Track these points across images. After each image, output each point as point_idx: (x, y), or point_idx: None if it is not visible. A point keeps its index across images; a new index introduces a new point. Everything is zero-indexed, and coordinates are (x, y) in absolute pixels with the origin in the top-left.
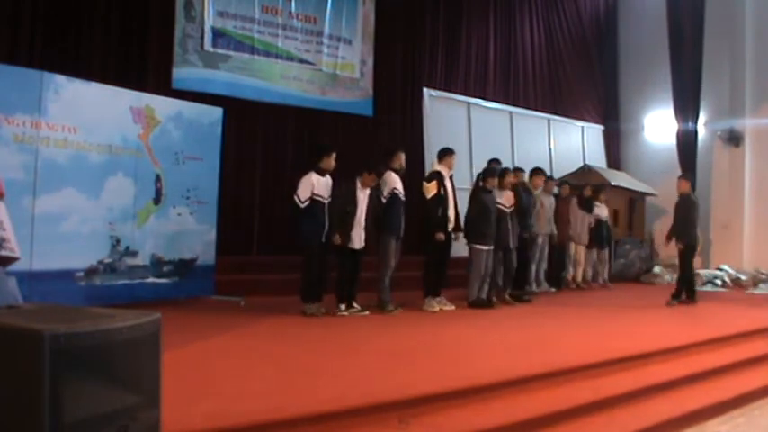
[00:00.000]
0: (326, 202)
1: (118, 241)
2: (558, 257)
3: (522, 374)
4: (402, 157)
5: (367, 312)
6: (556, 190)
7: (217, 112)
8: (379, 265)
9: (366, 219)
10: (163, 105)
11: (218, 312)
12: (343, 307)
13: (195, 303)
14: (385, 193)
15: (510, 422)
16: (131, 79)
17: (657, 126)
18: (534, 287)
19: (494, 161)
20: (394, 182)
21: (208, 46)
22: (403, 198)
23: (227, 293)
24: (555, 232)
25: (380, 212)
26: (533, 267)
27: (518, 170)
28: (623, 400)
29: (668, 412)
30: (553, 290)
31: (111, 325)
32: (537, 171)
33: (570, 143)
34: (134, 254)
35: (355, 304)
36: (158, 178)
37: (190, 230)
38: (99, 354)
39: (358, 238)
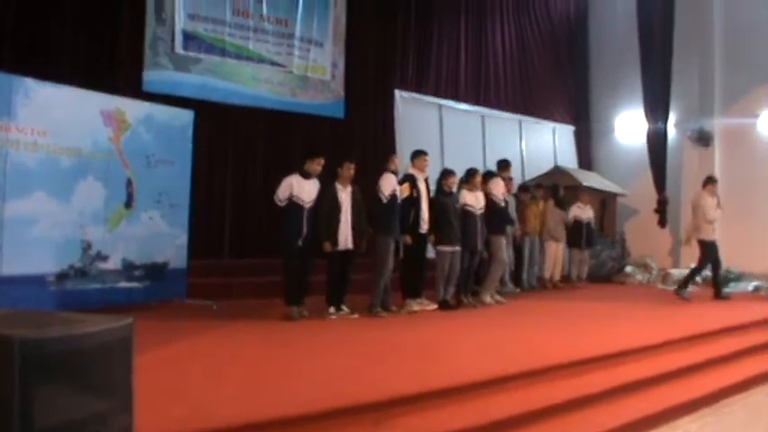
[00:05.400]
0: (308, 206)
1: (89, 245)
2: (517, 257)
3: (496, 375)
4: (396, 159)
5: (356, 315)
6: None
7: (188, 115)
8: (376, 267)
9: (353, 218)
10: (134, 108)
11: (191, 316)
12: (332, 310)
13: (168, 307)
14: (386, 194)
15: (485, 422)
16: (102, 82)
17: (628, 126)
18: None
19: (504, 162)
20: (393, 183)
21: (179, 48)
22: (400, 200)
23: (200, 297)
24: (518, 233)
25: (378, 213)
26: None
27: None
28: (597, 399)
29: (641, 410)
30: (517, 290)
31: (82, 330)
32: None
33: (542, 144)
34: (105, 258)
35: (344, 307)
36: (129, 182)
37: (161, 234)
38: (70, 359)
39: (344, 239)
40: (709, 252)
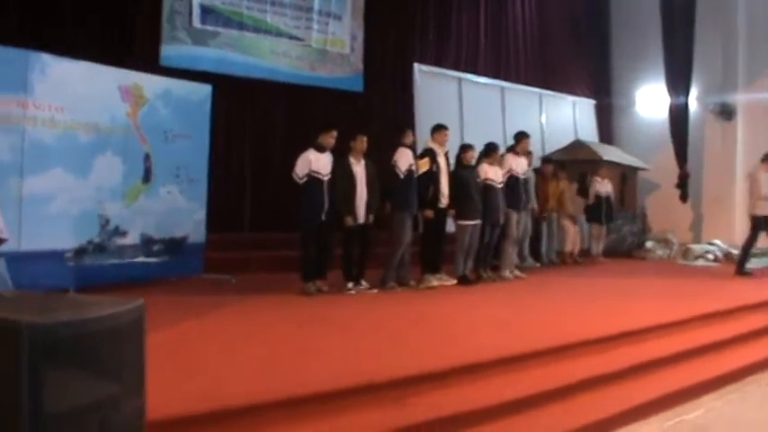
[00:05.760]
0: (326, 179)
1: (107, 221)
2: (536, 232)
3: (517, 352)
4: (411, 134)
5: (375, 290)
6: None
7: (205, 90)
8: (392, 242)
9: (368, 191)
10: (151, 83)
11: (209, 291)
12: (350, 285)
13: (186, 282)
14: (403, 169)
15: (507, 400)
16: (119, 57)
17: (649, 100)
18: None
19: (521, 134)
20: (409, 158)
21: (196, 22)
22: (416, 175)
23: (218, 271)
24: (535, 206)
25: (396, 188)
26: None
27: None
28: (620, 377)
29: (665, 388)
30: (537, 264)
31: (92, 314)
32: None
33: (562, 118)
34: (123, 233)
35: (363, 282)
36: (147, 157)
37: (180, 209)
38: (79, 344)
39: (362, 213)
40: (757, 227)
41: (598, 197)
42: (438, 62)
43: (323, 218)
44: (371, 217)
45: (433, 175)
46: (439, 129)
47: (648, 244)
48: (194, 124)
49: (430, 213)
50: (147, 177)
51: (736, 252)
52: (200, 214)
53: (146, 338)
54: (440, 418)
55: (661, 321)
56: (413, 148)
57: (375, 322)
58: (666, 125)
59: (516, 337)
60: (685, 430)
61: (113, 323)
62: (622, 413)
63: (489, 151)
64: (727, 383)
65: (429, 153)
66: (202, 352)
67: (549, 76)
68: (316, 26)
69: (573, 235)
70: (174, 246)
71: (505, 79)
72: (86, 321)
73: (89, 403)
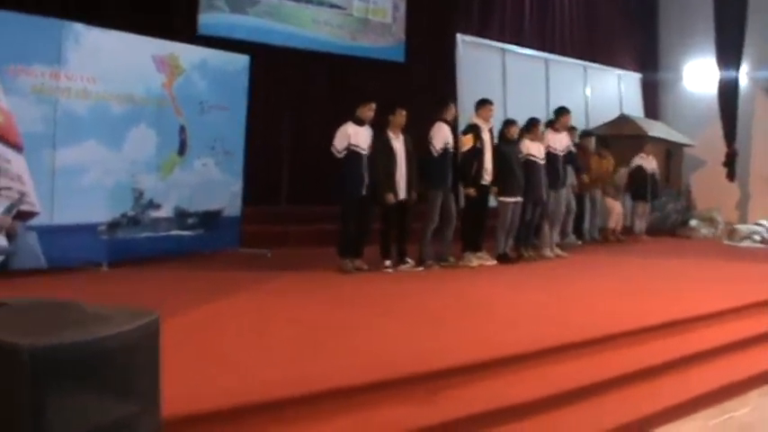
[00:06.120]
0: (365, 153)
1: (141, 194)
2: (580, 209)
3: (557, 343)
4: (453, 108)
5: (420, 268)
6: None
7: (243, 60)
8: (424, 219)
9: (407, 167)
10: (187, 53)
11: (245, 267)
12: (388, 263)
13: (221, 257)
14: (437, 147)
15: (546, 395)
16: (155, 26)
17: (698, 75)
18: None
19: (561, 110)
20: (446, 134)
21: None
22: (452, 151)
23: (254, 246)
24: (575, 183)
25: (430, 166)
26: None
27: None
28: (661, 371)
29: (710, 383)
30: (579, 242)
31: (102, 333)
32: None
33: (607, 91)
34: (158, 206)
35: (408, 259)
36: (182, 129)
37: (215, 181)
38: (88, 365)
39: (402, 189)
40: None
41: (643, 173)
42: (481, 33)
43: (363, 193)
44: (414, 194)
45: (477, 152)
46: (484, 104)
47: (693, 222)
48: (231, 95)
49: (472, 192)
50: (182, 150)
51: None
52: (237, 187)
53: (160, 354)
54: (471, 415)
55: (707, 311)
56: (455, 122)
57: (411, 305)
58: (714, 101)
59: (555, 326)
60: (732, 428)
61: (124, 341)
62: (664, 410)
63: (531, 126)
64: None
65: (473, 129)
66: (233, 337)
67: (595, 48)
68: None
69: (616, 212)
70: (209, 219)
71: (550, 51)
72: (94, 341)
73: (101, 426)
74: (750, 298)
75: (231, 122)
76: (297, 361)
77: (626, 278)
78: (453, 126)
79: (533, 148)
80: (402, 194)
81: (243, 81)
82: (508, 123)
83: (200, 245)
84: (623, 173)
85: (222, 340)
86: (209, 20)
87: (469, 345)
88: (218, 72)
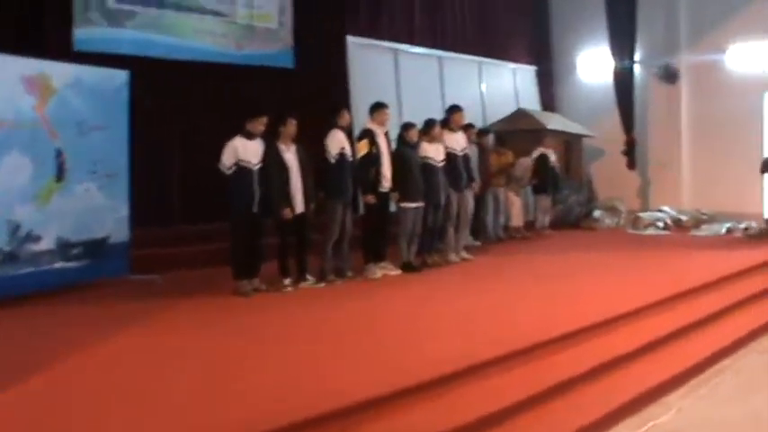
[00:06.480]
0: (256, 168)
1: (17, 227)
2: (476, 209)
3: (473, 361)
4: (347, 114)
5: (323, 285)
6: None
7: (121, 76)
8: (324, 232)
9: (302, 178)
10: (60, 71)
11: (133, 297)
12: (287, 281)
13: (108, 286)
14: (333, 153)
15: (465, 422)
16: (26, 43)
17: (592, 65)
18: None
19: (453, 108)
20: (341, 141)
21: (111, 2)
22: (350, 159)
23: (145, 270)
24: (476, 188)
25: (327, 174)
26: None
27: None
28: (576, 382)
29: (628, 390)
30: (477, 243)
31: None
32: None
33: (503, 86)
34: (37, 239)
35: (309, 276)
36: (59, 153)
37: (99, 207)
38: None
39: (298, 203)
40: None
41: (546, 162)
42: (372, 34)
43: (254, 210)
44: (312, 206)
45: (373, 158)
46: (378, 108)
47: (596, 213)
48: (111, 114)
49: (371, 198)
50: (60, 175)
51: (684, 218)
52: (122, 211)
53: None
54: None
55: (619, 312)
56: (349, 128)
57: (318, 330)
58: (610, 90)
59: (470, 340)
60: None
61: None
62: (581, 428)
63: (427, 128)
64: (692, 377)
65: (368, 134)
66: (121, 381)
67: (488, 43)
68: (240, 0)
69: (518, 208)
70: (95, 247)
71: (443, 48)
72: None
73: None
74: (664, 292)
75: (112, 143)
76: (198, 406)
77: (537, 279)
78: (348, 132)
79: (431, 151)
80: (299, 208)
81: (123, 98)
82: (407, 127)
83: (87, 275)
84: (523, 162)
85: (111, 387)
86: (84, 35)
87: (380, 374)
88: (94, 90)
